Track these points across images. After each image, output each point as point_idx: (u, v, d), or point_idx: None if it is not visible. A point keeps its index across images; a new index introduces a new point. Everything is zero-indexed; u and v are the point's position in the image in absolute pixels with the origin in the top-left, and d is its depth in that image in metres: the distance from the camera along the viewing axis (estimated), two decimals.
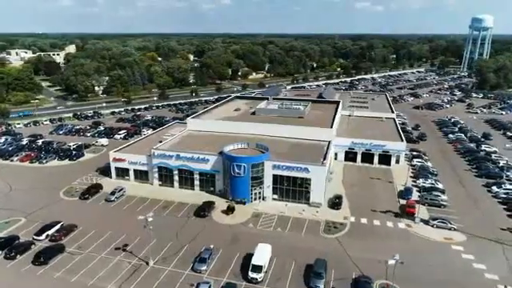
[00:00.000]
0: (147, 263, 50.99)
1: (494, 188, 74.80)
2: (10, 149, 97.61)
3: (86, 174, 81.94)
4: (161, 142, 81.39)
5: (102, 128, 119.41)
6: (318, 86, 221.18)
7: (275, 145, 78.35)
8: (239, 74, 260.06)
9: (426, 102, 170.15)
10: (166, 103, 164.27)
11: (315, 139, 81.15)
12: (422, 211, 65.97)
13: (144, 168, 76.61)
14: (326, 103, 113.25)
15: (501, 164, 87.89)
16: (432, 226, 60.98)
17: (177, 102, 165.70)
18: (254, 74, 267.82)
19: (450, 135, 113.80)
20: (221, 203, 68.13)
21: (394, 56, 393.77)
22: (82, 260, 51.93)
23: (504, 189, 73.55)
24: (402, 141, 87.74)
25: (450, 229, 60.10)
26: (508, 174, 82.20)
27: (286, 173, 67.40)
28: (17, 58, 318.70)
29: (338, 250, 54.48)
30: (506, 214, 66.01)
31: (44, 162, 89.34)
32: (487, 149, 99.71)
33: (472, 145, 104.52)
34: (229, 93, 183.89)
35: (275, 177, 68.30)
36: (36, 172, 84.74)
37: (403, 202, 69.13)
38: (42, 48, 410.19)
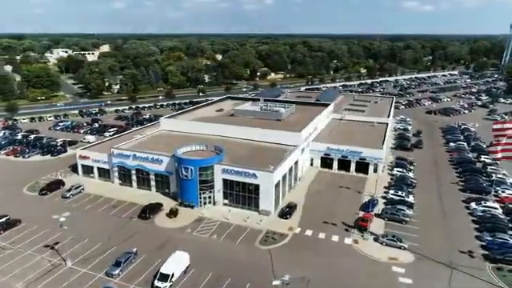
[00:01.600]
0: (66, 263, 50.74)
1: (473, 204, 67.30)
2: (3, 143, 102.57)
3: (58, 170, 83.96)
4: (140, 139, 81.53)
5: (96, 125, 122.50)
6: (334, 87, 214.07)
7: (238, 148, 76.00)
8: (258, 74, 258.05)
9: (443, 106, 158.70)
10: (171, 102, 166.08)
11: (282, 143, 77.56)
12: (379, 226, 60.94)
13: (106, 166, 77.05)
14: (316, 106, 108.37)
15: (493, 178, 79.17)
16: (381, 244, 55.74)
17: (182, 102, 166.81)
18: (272, 74, 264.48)
19: (451, 143, 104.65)
20: (171, 205, 66.84)
21: (430, 57, 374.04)
22: (7, 256, 52.59)
23: (483, 206, 65.93)
24: (381, 148, 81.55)
25: (399, 247, 54.57)
26: (498, 189, 73.76)
27: (235, 178, 64.71)
28: (57, 57, 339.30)
29: (264, 264, 51.10)
30: (475, 234, 58.97)
31: (26, 156, 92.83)
32: (487, 160, 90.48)
33: (471, 155, 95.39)
34: (238, 93, 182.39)
35: (225, 181, 65.82)
36: (14, 166, 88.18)
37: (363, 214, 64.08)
38: (84, 47, 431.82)
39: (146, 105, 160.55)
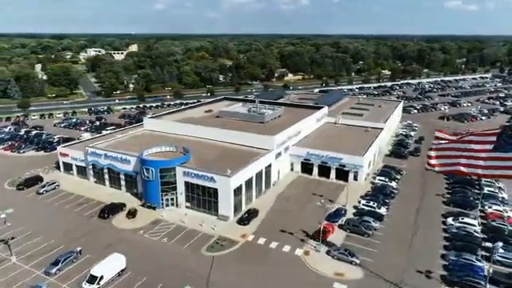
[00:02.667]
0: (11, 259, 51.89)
1: (449, 220, 62.12)
2: (6, 138, 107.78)
3: (43, 166, 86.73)
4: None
5: (97, 123, 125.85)
6: (350, 89, 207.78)
7: (211, 150, 75.15)
8: (275, 75, 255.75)
9: (460, 112, 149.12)
10: (178, 101, 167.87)
11: (256, 147, 75.65)
12: (339, 238, 57.71)
13: (83, 164, 78.56)
14: (310, 109, 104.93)
15: (485, 191, 72.90)
16: (332, 257, 52.63)
17: (190, 102, 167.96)
18: (290, 75, 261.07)
19: None
20: (136, 206, 66.96)
21: (464, 59, 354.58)
22: None
23: (459, 222, 60.68)
24: (361, 155, 77.33)
25: (350, 262, 51.25)
26: (486, 204, 67.72)
27: (195, 181, 63.71)
28: (85, 56, 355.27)
29: (201, 271, 49.67)
30: (442, 253, 54.28)
31: (21, 151, 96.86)
32: None
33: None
34: (248, 94, 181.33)
35: (187, 184, 64.96)
36: (6, 160, 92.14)
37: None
38: (117, 47, 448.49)
39: (154, 104, 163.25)
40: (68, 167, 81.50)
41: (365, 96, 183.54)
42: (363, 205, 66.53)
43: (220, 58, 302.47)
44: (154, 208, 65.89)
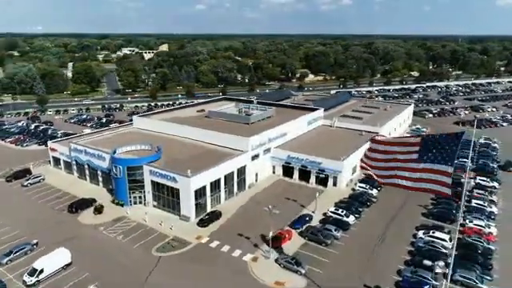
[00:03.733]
0: None
1: (419, 233, 58.02)
2: (17, 131, 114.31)
3: (39, 160, 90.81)
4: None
5: (104, 120, 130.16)
6: (368, 91, 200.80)
7: (188, 149, 75.60)
8: (296, 75, 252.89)
9: (481, 117, 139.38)
10: (189, 101, 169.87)
11: (232, 148, 74.87)
12: (295, 245, 55.74)
13: (68, 160, 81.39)
14: (304, 110, 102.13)
15: (472, 203, 67.47)
16: (279, 265, 50.79)
17: (201, 101, 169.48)
18: (311, 76, 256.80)
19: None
20: (105, 202, 68.40)
21: (505, 61, 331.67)
22: None
23: (429, 236, 56.49)
24: (340, 159, 74.09)
25: (296, 272, 49.20)
26: (469, 217, 62.56)
27: (160, 180, 64.01)
28: (115, 56, 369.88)
29: (144, 270, 49.64)
30: (400, 267, 50.72)
31: (24, 145, 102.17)
32: (483, 182, 77.62)
33: (468, 174, 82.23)
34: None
35: (153, 183, 65.42)
36: (8, 153, 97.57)
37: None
38: (150, 47, 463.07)
39: (165, 102, 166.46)
40: (57, 162, 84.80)
41: (381, 98, 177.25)
42: (331, 212, 63.72)
43: (246, 58, 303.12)
44: (122, 205, 66.96)
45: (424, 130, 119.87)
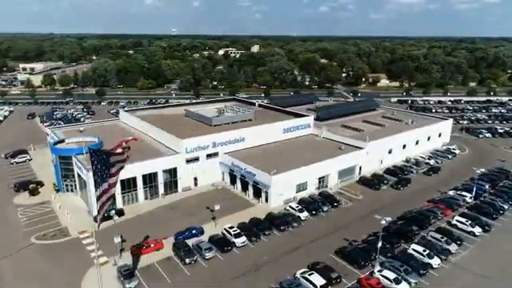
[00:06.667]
0: None
1: (298, 273, 47.72)
2: (58, 117, 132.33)
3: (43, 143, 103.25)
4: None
5: None
6: (439, 101, 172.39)
7: (135, 144, 76.67)
8: (366, 79, 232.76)
9: None
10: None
11: (171, 148, 73.67)
12: (156, 257, 52.11)
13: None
14: (296, 117, 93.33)
15: (410, 249, 52.46)
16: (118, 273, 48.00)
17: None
18: (385, 81, 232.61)
19: (450, 192, 72.39)
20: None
21: None
22: None
23: (303, 278, 46.12)
24: (270, 174, 65.35)
25: (122, 283, 45.92)
26: (387, 265, 48.96)
27: (79, 171, 66.91)
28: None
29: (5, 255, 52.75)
30: None
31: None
32: (460, 225, 59.84)
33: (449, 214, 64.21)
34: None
35: (78, 174, 68.58)
36: (30, 134, 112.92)
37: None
38: (248, 47, 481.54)
39: (201, 100, 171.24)
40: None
41: (446, 111, 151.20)
42: (225, 230, 57.19)
43: (330, 61, 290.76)
44: (58, 191, 72.00)
45: (457, 152, 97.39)
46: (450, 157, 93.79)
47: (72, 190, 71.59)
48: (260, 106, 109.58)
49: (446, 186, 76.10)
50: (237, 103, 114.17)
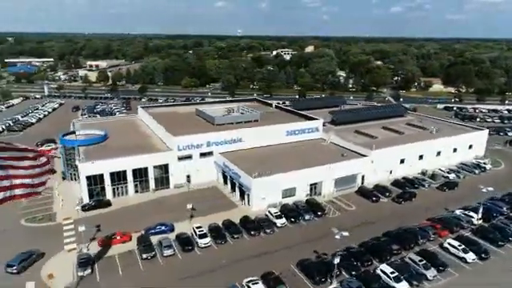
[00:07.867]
0: None
1: (244, 281, 45.85)
2: (97, 111, 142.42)
3: None
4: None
5: None
6: (494, 110, 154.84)
7: (139, 139, 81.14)
8: (418, 84, 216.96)
9: None
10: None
11: (166, 144, 75.43)
12: (119, 249, 53.74)
13: None
14: (306, 120, 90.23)
15: (378, 270, 47.65)
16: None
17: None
18: (438, 86, 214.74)
19: (457, 211, 64.32)
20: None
21: None
22: None
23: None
24: (252, 177, 63.46)
25: (77, 271, 47.91)
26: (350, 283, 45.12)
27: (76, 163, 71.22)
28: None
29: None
30: None
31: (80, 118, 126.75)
32: (452, 249, 53.07)
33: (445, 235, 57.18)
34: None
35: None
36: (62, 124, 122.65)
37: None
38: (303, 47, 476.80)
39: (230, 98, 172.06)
40: None
41: (498, 120, 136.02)
42: (193, 229, 56.89)
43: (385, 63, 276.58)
44: (64, 179, 77.44)
45: (489, 167, 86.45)
46: (476, 171, 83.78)
47: (75, 179, 76.40)
48: (276, 107, 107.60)
49: (458, 204, 67.87)
50: (256, 104, 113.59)
